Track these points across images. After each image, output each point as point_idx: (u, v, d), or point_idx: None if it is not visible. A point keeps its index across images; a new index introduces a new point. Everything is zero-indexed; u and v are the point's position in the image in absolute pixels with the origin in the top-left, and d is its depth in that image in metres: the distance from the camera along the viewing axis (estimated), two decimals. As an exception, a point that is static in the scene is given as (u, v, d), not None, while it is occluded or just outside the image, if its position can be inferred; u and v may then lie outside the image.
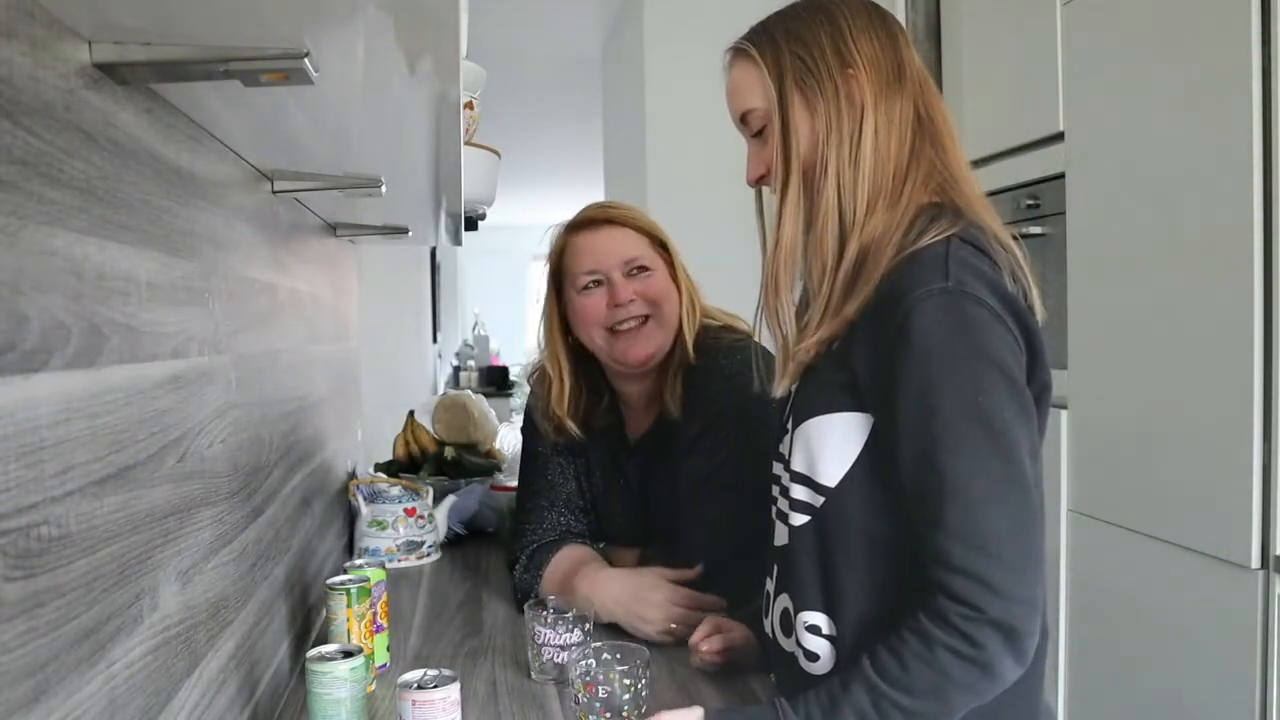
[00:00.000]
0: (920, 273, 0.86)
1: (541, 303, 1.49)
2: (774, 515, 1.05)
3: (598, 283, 1.39)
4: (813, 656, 0.97)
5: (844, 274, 0.94)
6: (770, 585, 1.05)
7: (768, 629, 1.06)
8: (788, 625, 1.00)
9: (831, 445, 0.93)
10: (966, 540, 0.83)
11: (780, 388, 1.01)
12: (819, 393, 0.95)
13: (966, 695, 0.85)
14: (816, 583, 0.96)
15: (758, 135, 1.00)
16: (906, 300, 0.85)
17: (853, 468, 0.92)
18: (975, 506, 0.83)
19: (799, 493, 0.97)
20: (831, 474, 0.93)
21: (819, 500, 0.95)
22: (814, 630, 0.97)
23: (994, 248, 0.89)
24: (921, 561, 0.87)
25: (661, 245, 1.43)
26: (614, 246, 1.38)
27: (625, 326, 1.38)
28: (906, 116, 0.95)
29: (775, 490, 1.05)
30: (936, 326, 0.84)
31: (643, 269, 1.39)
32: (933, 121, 0.97)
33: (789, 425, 1.01)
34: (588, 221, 1.42)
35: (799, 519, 0.97)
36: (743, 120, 1.01)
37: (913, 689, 0.84)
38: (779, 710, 0.90)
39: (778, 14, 0.99)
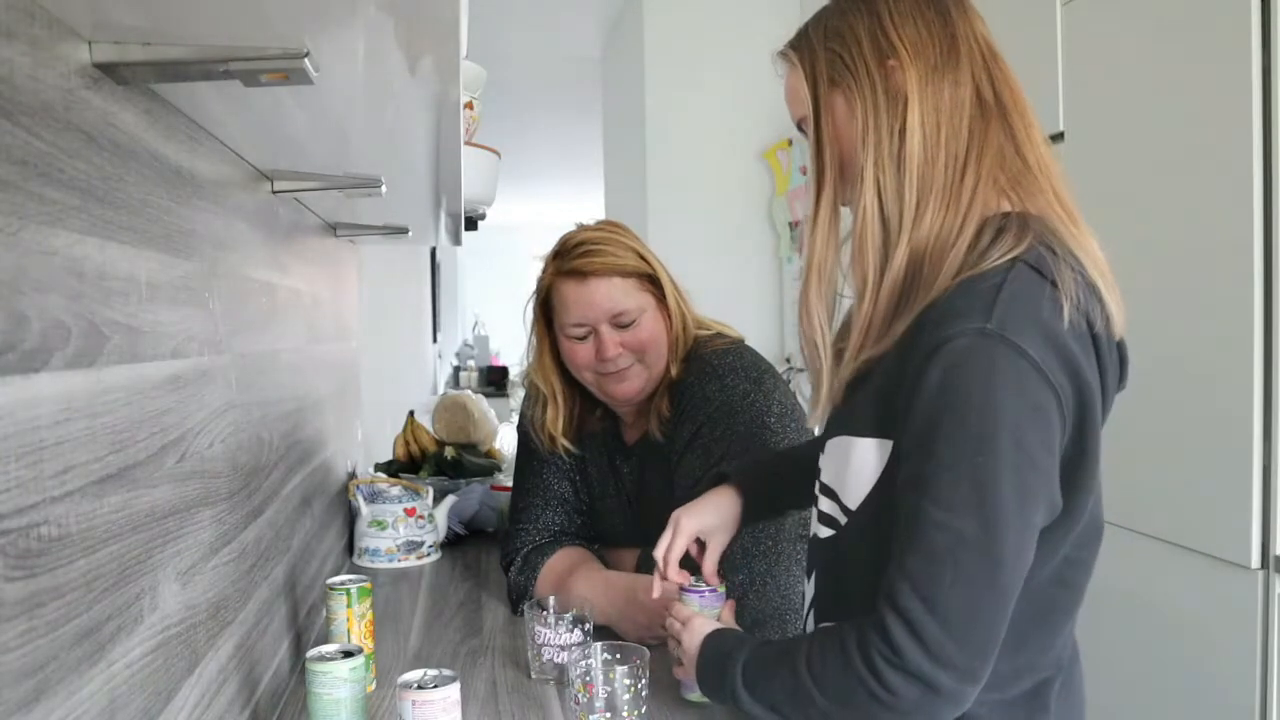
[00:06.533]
0: (965, 306, 0.79)
1: (528, 327, 1.47)
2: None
3: (586, 334, 1.37)
4: None
5: (891, 286, 0.86)
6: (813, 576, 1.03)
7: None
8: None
9: (854, 467, 0.89)
10: (915, 586, 0.78)
11: (814, 419, 0.96)
12: (851, 412, 0.90)
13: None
14: (830, 596, 0.97)
15: None
16: (940, 334, 0.79)
17: (870, 494, 0.88)
18: (934, 559, 0.78)
19: (825, 506, 0.94)
20: (854, 496, 0.90)
21: (843, 519, 0.92)
22: None
23: (1061, 270, 0.81)
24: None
25: (650, 278, 1.38)
26: (600, 301, 1.35)
27: (612, 369, 1.37)
28: (961, 99, 0.87)
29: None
30: (958, 370, 0.78)
31: (630, 322, 1.36)
32: (998, 99, 0.88)
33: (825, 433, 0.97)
34: (574, 272, 1.36)
35: (825, 531, 0.95)
36: (800, 128, 0.97)
37: (826, 692, 0.83)
38: (738, 650, 0.92)
39: (819, 12, 0.94)
